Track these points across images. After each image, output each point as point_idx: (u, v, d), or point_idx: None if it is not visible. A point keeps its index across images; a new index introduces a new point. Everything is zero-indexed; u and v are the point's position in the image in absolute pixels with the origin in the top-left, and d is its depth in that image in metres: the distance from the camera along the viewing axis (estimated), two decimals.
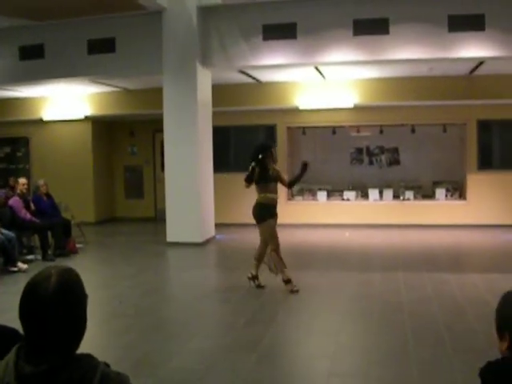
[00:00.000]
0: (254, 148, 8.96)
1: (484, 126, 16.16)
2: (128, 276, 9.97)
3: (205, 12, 12.86)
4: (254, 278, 8.79)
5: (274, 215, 8.71)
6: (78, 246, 12.51)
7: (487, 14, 11.77)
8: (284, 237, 14.39)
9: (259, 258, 8.83)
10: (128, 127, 18.84)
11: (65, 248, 11.95)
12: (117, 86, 15.99)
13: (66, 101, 17.14)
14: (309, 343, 6.33)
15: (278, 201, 9.02)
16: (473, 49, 11.97)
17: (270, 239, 8.65)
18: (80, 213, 15.32)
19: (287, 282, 8.51)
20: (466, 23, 11.83)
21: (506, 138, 16.32)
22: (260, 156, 8.62)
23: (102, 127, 18.43)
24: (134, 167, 18.97)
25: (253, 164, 8.62)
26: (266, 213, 8.65)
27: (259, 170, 8.58)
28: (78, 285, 2.03)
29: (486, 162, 16.15)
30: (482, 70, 14.08)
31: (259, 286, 8.75)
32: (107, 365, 2.02)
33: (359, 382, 5.24)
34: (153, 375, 5.33)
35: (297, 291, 8.41)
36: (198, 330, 6.90)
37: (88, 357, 1.98)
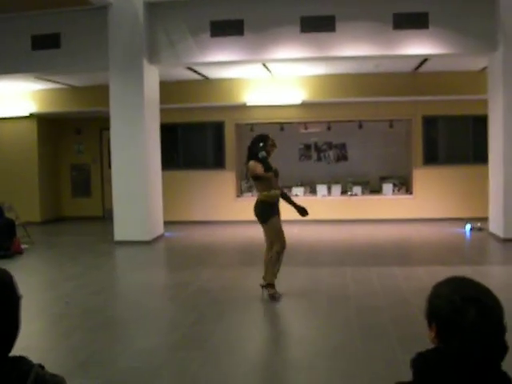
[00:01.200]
0: (252, 140, 8.06)
1: (429, 122, 16.48)
2: (75, 276, 9.82)
3: (152, 8, 12.75)
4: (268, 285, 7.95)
5: (277, 212, 7.91)
6: (23, 246, 12.24)
7: (431, 13, 12.01)
8: (233, 234, 14.55)
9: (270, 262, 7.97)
10: (74, 125, 18.61)
11: (9, 249, 11.67)
12: (63, 83, 15.72)
13: (9, 98, 16.77)
14: (256, 339, 6.34)
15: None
16: (417, 46, 12.18)
17: (276, 239, 7.89)
18: (25, 213, 15.08)
19: (271, 286, 7.88)
20: (411, 21, 12.05)
21: (451, 133, 16.65)
22: (261, 144, 7.84)
23: (48, 125, 18.12)
24: (81, 166, 18.75)
25: (263, 154, 7.76)
26: (269, 211, 7.83)
27: (261, 163, 7.76)
28: (9, 286, 1.98)
29: (431, 157, 16.47)
30: (426, 67, 14.35)
31: (273, 298, 7.86)
32: (41, 367, 1.97)
33: (306, 375, 5.26)
34: (99, 376, 5.25)
35: (279, 298, 7.83)
36: (145, 328, 6.84)
37: (21, 359, 1.93)
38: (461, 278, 2.18)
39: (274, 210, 7.87)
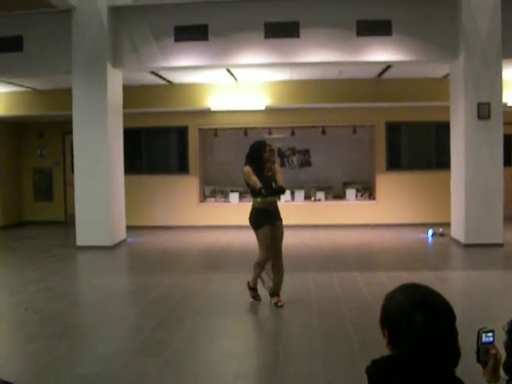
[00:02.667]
0: (250, 146, 8.02)
1: (392, 128, 16.66)
2: (35, 281, 9.69)
3: (116, 12, 12.68)
4: (273, 294, 7.92)
5: (272, 221, 7.79)
6: None
7: (394, 20, 12.15)
8: (196, 239, 14.52)
9: (277, 272, 7.94)
10: (37, 128, 18.39)
11: None
12: (25, 86, 15.54)
13: None
14: (217, 345, 6.33)
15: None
16: (380, 53, 12.30)
17: (261, 249, 7.81)
18: None
19: (251, 289, 8.02)
20: (374, 28, 12.17)
21: (414, 139, 16.86)
22: (258, 153, 7.82)
23: (10, 128, 17.91)
24: (43, 169, 18.54)
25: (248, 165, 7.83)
26: (261, 219, 7.73)
27: (255, 169, 7.76)
28: None
29: (394, 163, 16.64)
30: (389, 74, 14.51)
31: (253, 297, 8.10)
32: None
33: (266, 380, 5.27)
34: (59, 383, 5.20)
35: (256, 299, 8.03)
36: (105, 334, 6.79)
37: None
38: (413, 284, 2.21)
39: (268, 219, 7.77)
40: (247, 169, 7.79)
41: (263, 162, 7.77)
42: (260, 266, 7.90)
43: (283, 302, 7.78)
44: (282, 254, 8.03)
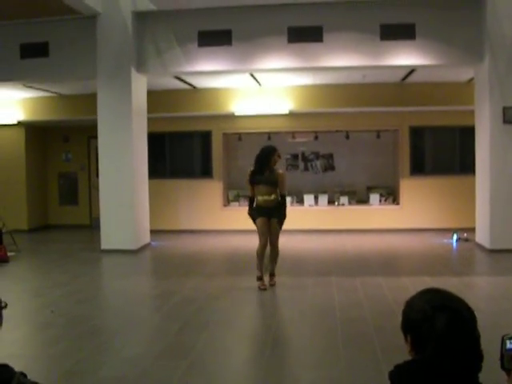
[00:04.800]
0: (260, 150, 9.37)
1: (416, 132, 16.58)
2: (61, 284, 9.79)
3: (140, 17, 12.78)
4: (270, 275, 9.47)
5: (266, 215, 9.13)
6: (9, 254, 12.20)
7: (418, 24, 12.09)
8: (219, 243, 14.56)
9: (271, 259, 9.45)
10: (62, 133, 18.57)
11: None
12: (51, 91, 15.72)
13: None
14: (241, 350, 6.34)
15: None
16: (404, 57, 12.25)
17: (259, 238, 9.24)
18: (12, 220, 15.04)
19: (259, 278, 9.19)
20: (398, 32, 12.13)
21: (437, 143, 16.77)
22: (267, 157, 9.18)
23: (36, 133, 18.11)
24: (69, 174, 18.71)
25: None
26: (258, 213, 9.21)
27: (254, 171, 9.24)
28: None
29: (418, 168, 16.55)
30: (413, 78, 14.45)
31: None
32: (24, 375, 1.98)
33: None
34: None
35: (271, 284, 9.30)
36: (130, 337, 6.84)
37: (4, 366, 1.94)
38: (434, 289, 2.21)
39: (263, 213, 9.13)
40: (248, 172, 9.38)
41: (271, 164, 9.14)
42: (258, 256, 9.21)
43: (274, 282, 9.37)
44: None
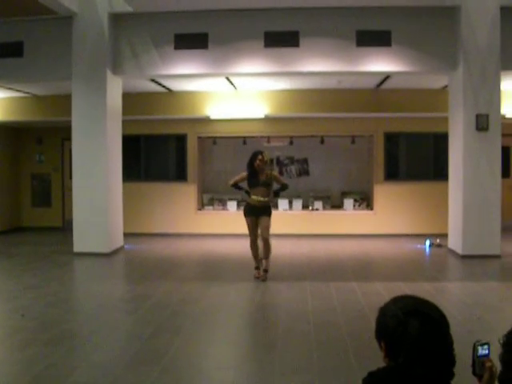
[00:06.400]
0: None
1: (390, 138, 16.69)
2: (32, 287, 9.68)
3: (116, 19, 12.72)
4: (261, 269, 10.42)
5: (255, 214, 10.13)
6: None
7: (393, 31, 12.20)
8: (194, 247, 14.51)
9: (264, 256, 10.34)
10: (35, 134, 18.41)
11: None
12: (24, 92, 15.56)
13: None
14: (214, 355, 6.31)
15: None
16: (380, 63, 12.32)
17: (249, 233, 10.29)
18: None
19: (256, 267, 10.41)
20: (374, 39, 12.22)
21: (412, 149, 16.88)
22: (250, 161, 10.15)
23: (8, 133, 17.93)
24: (42, 175, 18.56)
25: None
26: (248, 211, 10.27)
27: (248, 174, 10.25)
28: None
29: (392, 173, 16.67)
30: (388, 84, 14.55)
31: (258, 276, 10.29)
32: None
33: None
34: None
35: (262, 279, 10.10)
36: (102, 342, 6.76)
37: None
38: (407, 296, 2.22)
39: (253, 212, 10.15)
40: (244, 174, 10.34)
41: (254, 168, 10.05)
42: (251, 248, 10.37)
43: (265, 277, 10.18)
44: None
